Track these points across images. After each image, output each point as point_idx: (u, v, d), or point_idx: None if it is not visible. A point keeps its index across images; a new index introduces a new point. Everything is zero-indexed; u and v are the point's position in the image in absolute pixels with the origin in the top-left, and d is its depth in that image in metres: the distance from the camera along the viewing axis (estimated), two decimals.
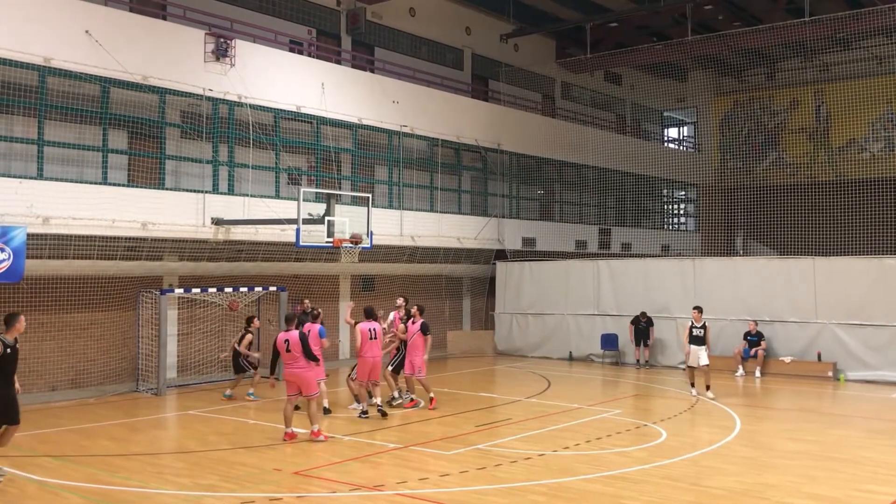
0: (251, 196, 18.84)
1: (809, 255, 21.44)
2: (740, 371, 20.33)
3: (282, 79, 19.93)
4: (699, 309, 16.96)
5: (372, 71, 23.90)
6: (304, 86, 20.46)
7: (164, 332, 17.37)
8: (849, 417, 15.54)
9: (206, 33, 18.43)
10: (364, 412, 14.33)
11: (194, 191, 17.98)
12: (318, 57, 22.31)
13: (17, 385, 10.03)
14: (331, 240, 17.00)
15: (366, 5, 24.49)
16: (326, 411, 14.38)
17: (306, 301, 19.78)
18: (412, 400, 15.49)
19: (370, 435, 12.99)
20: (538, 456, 11.49)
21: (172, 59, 17.66)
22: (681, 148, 40.35)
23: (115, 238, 16.54)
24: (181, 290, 18.01)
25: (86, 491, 9.70)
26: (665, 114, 39.55)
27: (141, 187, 17.14)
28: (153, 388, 17.25)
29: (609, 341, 23.16)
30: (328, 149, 20.94)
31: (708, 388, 16.59)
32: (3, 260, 14.43)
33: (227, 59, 18.53)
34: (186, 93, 17.91)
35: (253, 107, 19.05)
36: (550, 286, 24.68)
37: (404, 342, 15.27)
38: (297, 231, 16.97)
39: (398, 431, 13.34)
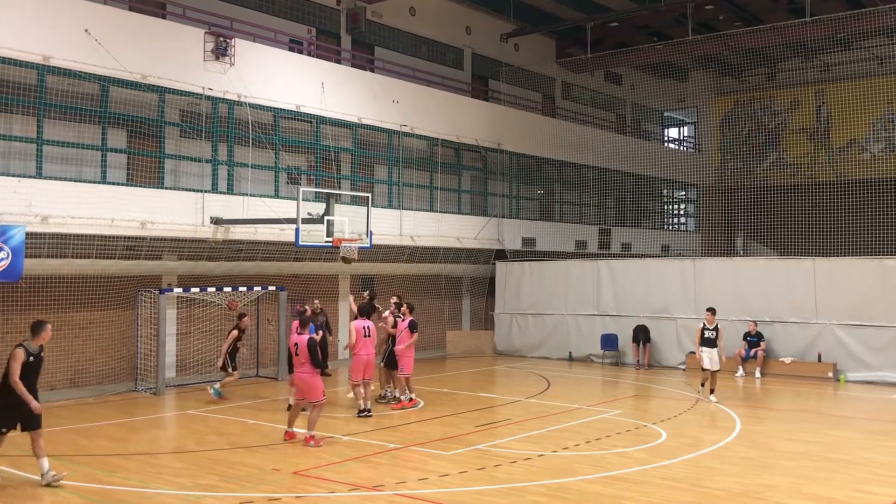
0: (250, 195, 18.80)
1: (810, 255, 21.40)
2: (740, 372, 20.30)
3: (281, 78, 19.89)
4: (712, 311, 16.62)
5: (372, 70, 23.86)
6: (304, 85, 20.42)
7: (162, 332, 17.36)
8: (849, 418, 15.52)
9: (205, 32, 18.40)
10: (363, 410, 14.34)
11: (193, 190, 17.95)
12: (318, 56, 22.27)
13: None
14: (330, 239, 16.99)
15: (366, 4, 24.45)
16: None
17: (316, 301, 19.80)
18: (411, 399, 15.52)
19: (369, 435, 12.97)
20: (538, 456, 11.48)
21: (172, 58, 17.61)
22: (681, 148, 40.29)
23: (114, 237, 16.50)
24: (180, 290, 17.99)
25: (85, 490, 9.69)
26: (665, 114, 39.49)
27: (140, 186, 17.09)
28: (152, 387, 17.24)
29: (609, 341, 23.14)
30: (328, 148, 20.90)
31: (712, 391, 16.40)
32: (2, 259, 14.39)
33: (227, 58, 18.50)
34: (186, 92, 17.87)
35: (252, 106, 19.01)
36: (550, 286, 24.66)
37: (392, 337, 15.67)
38: (297, 231, 16.94)
39: (397, 431, 13.32)
